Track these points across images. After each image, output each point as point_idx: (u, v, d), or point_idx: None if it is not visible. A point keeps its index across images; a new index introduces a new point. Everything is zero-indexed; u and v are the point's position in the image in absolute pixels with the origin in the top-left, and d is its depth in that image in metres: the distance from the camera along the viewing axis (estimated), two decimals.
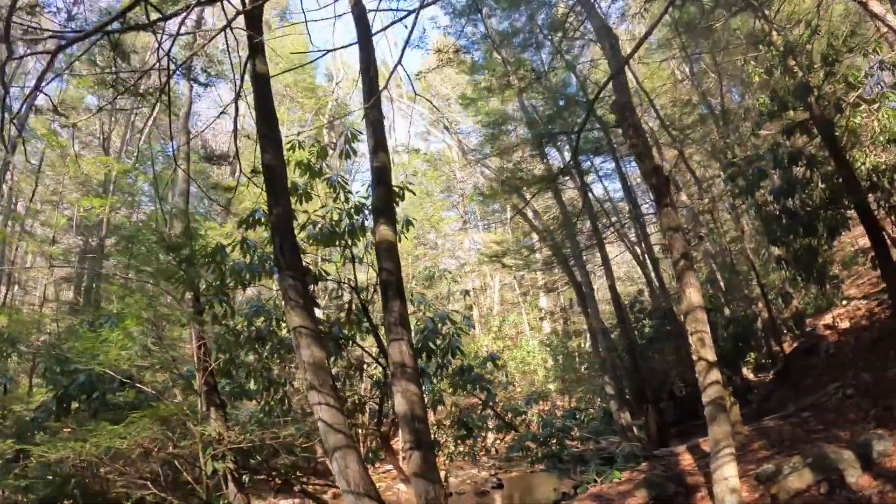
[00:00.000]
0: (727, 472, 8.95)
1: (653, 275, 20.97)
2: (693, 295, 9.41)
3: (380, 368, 9.71)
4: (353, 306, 9.36)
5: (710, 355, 9.23)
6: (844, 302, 18.32)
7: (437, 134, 35.00)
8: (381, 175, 6.99)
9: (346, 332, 9.23)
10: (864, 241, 24.39)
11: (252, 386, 10.17)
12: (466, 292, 15.01)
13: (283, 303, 5.75)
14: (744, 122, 19.29)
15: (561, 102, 17.62)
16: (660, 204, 9.90)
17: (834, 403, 12.81)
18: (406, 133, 52.25)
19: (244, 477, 8.86)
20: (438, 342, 8.98)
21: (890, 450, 9.66)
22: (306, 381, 5.45)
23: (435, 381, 10.32)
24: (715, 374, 9.16)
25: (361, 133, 8.80)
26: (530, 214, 20.98)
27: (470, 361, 13.45)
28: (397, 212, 11.66)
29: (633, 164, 27.33)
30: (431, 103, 22.06)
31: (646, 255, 22.28)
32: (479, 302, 39.64)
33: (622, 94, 10.87)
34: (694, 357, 9.37)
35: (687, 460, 13.16)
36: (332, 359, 10.11)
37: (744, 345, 18.75)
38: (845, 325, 17.03)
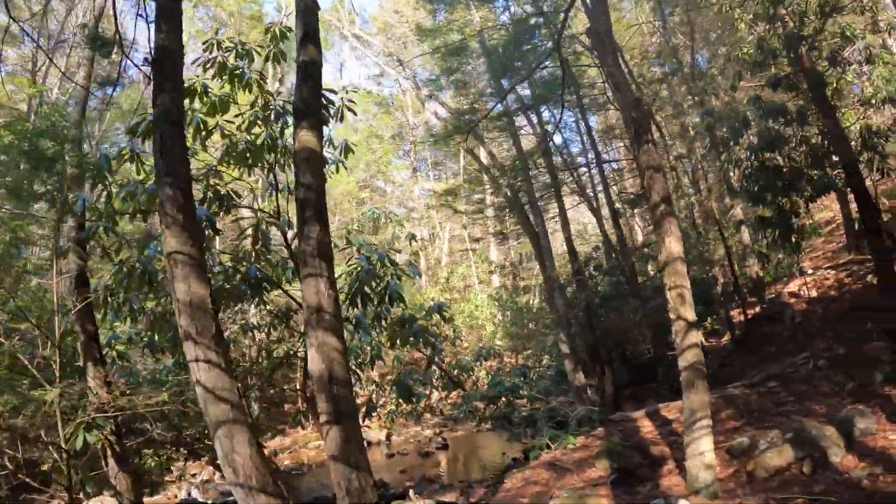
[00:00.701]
0: (703, 447, 7.89)
1: (612, 230, 19.91)
2: (673, 244, 8.16)
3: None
4: (260, 234, 7.77)
5: (690, 314, 8.05)
6: (811, 271, 17.55)
7: (391, 72, 33.06)
8: (308, 70, 5.43)
9: (263, 271, 7.65)
10: (822, 215, 24.02)
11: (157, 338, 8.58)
12: (413, 236, 13.54)
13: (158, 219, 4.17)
14: (721, 76, 18.09)
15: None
16: (639, 140, 8.57)
17: (804, 375, 11.93)
18: (357, 75, 49.93)
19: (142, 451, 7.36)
20: (375, 286, 7.46)
21: (873, 428, 8.86)
22: (181, 326, 3.92)
23: (374, 333, 8.85)
24: (694, 336, 8.01)
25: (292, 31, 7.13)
26: (484, 158, 19.56)
27: (414, 311, 12.17)
28: (334, 137, 10.10)
29: (594, 116, 26.28)
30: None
31: (603, 209, 21.19)
32: (428, 253, 38.35)
33: (601, 19, 9.44)
34: (671, 315, 8.17)
35: (647, 427, 12.14)
36: (255, 304, 8.62)
37: (704, 309, 17.82)
38: (812, 294, 16.22)
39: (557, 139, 21.62)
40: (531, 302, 33.92)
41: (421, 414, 13.82)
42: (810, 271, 17.43)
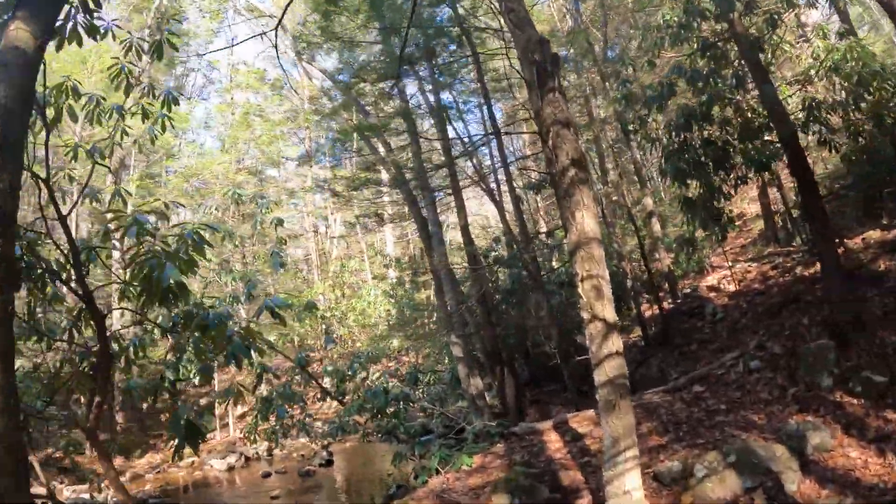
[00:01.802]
0: (629, 483, 6.08)
1: (515, 222, 18.19)
2: (587, 221, 6.26)
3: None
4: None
5: (609, 312, 6.15)
6: (730, 263, 16.34)
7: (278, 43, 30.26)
8: None
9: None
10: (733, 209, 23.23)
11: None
12: (279, 221, 11.29)
13: None
14: (638, 49, 16.65)
15: None
16: (543, 88, 6.66)
17: (734, 378, 10.42)
18: (254, 55, 46.66)
19: None
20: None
21: (829, 443, 7.44)
22: None
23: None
24: (615, 342, 6.11)
25: None
26: (381, 150, 17.46)
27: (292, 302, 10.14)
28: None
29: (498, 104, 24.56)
30: None
31: (505, 196, 19.44)
32: (320, 246, 35.78)
33: None
34: (584, 314, 6.24)
35: (555, 444, 10.39)
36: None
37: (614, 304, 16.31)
38: (733, 287, 14.95)
39: (458, 126, 19.63)
40: (430, 298, 32.06)
41: (285, 433, 11.55)
42: (729, 263, 16.21)
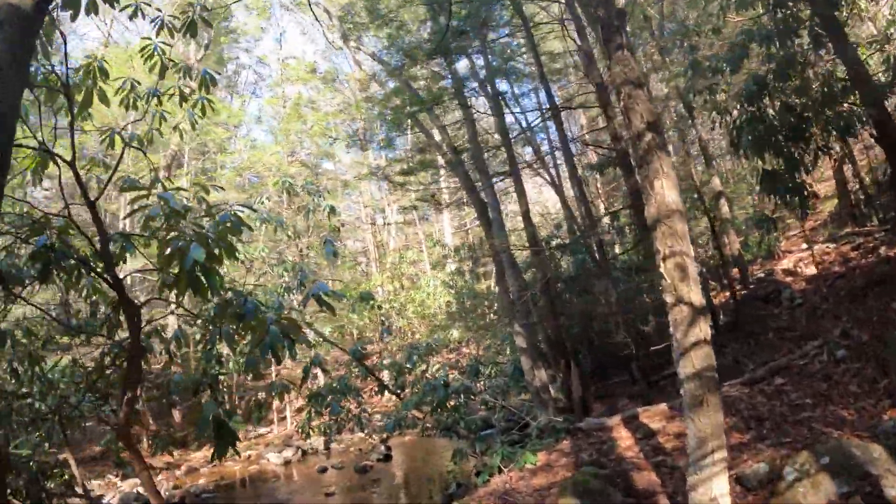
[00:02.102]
0: (716, 489, 5.42)
1: (573, 201, 17.39)
2: (667, 191, 5.57)
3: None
4: None
5: (696, 294, 5.46)
6: (805, 245, 15.19)
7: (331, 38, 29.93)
8: None
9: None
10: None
11: None
12: (333, 209, 10.83)
13: None
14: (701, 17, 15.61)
15: None
16: (610, 45, 5.98)
17: (819, 368, 9.49)
18: (300, 48, 46.65)
19: None
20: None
21: None
22: None
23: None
24: (703, 329, 5.42)
25: None
26: (436, 135, 16.89)
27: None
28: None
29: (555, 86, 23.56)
30: None
31: (565, 183, 18.63)
32: (378, 238, 35.50)
33: None
34: (668, 297, 5.58)
35: (625, 441, 9.70)
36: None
37: None
38: (810, 270, 13.85)
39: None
40: (491, 288, 31.36)
41: (339, 429, 11.12)
42: (805, 245, 15.08)
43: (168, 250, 4.18)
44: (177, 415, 20.66)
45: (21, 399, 7.11)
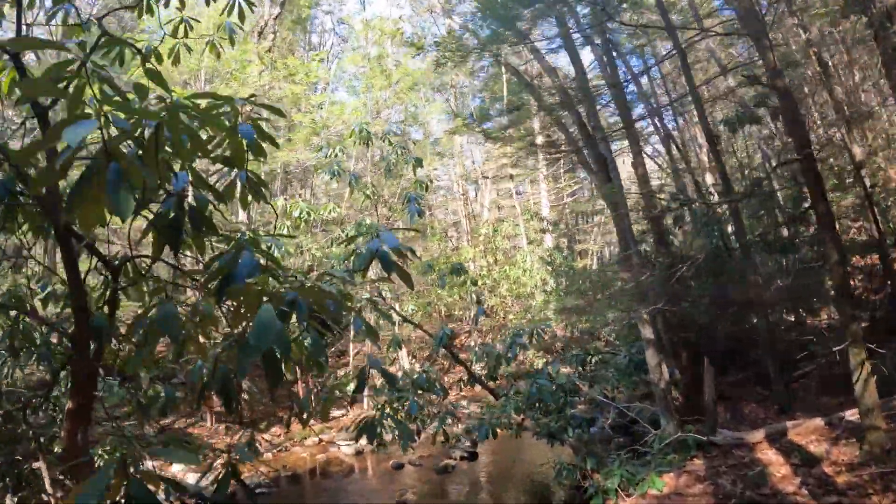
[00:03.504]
0: None
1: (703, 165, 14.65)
2: None
3: None
4: None
5: None
6: None
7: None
8: None
9: None
10: None
11: None
12: (418, 161, 8.93)
13: None
14: None
15: None
16: None
17: None
18: (386, 11, 44.59)
19: None
20: None
21: None
22: None
23: None
24: None
25: None
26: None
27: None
28: None
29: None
30: None
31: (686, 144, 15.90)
32: (470, 210, 33.38)
33: None
34: None
35: (778, 468, 7.55)
36: None
37: None
38: None
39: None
40: (589, 267, 28.71)
41: (415, 433, 9.07)
42: None
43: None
44: (245, 386, 19.21)
45: None
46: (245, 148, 2.78)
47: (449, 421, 8.56)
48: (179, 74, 19.41)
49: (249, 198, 3.37)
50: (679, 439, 9.16)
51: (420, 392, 8.40)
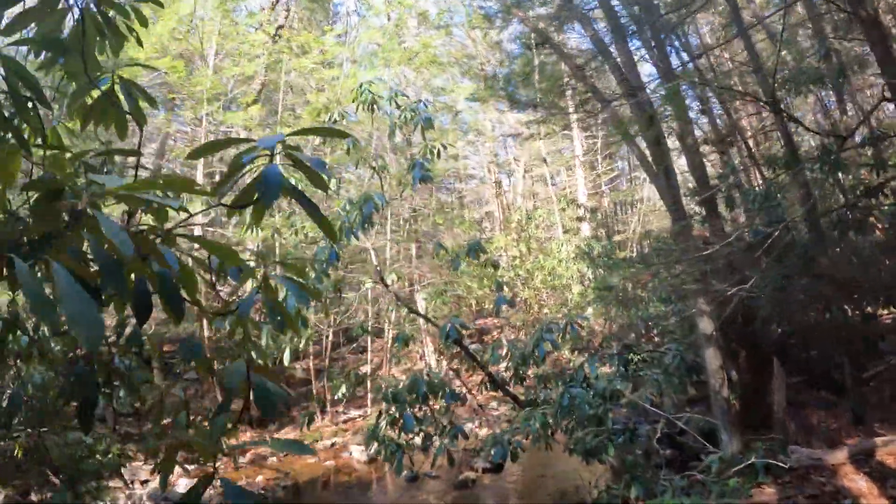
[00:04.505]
0: None
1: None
2: None
3: None
4: None
5: None
6: None
7: None
8: None
9: None
10: None
11: None
12: (429, 121, 7.26)
13: None
14: None
15: None
16: None
17: None
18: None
19: None
20: None
21: None
22: None
23: None
24: None
25: None
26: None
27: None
28: None
29: None
30: None
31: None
32: (501, 197, 31.61)
33: None
34: None
35: (873, 500, 5.76)
36: None
37: None
38: None
39: None
40: (628, 258, 26.72)
41: (419, 450, 7.36)
42: None
43: None
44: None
45: None
46: None
47: (457, 438, 6.91)
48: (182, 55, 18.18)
49: None
50: (740, 460, 7.41)
51: (424, 400, 6.78)
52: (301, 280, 2.43)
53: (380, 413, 6.92)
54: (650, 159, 10.14)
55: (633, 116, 10.58)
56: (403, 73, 21.74)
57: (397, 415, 6.58)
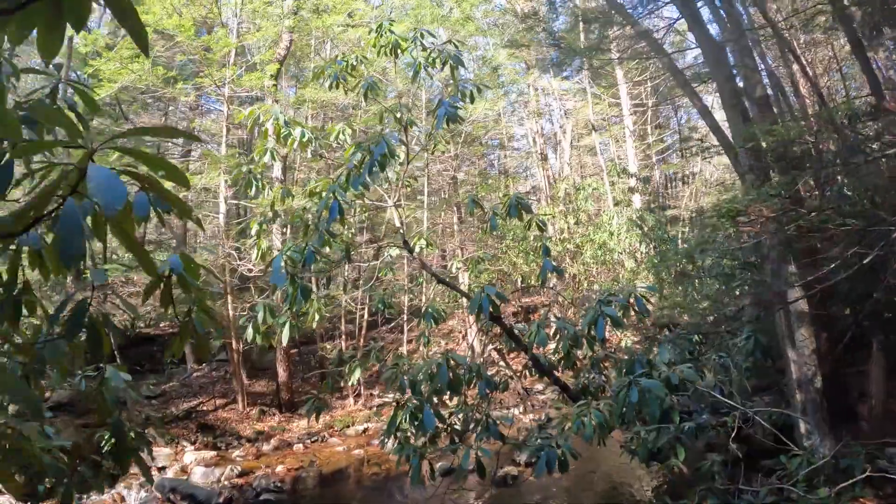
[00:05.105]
0: None
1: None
2: None
3: None
4: None
5: None
6: None
7: None
8: None
9: None
10: None
11: None
12: (458, 59, 6.03)
13: None
14: None
15: None
16: None
17: None
18: None
19: None
20: None
21: None
22: None
23: None
24: None
25: None
26: None
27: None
28: None
29: None
30: None
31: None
32: (549, 169, 29.93)
33: None
34: None
35: None
36: None
37: None
38: None
39: None
40: (684, 234, 24.93)
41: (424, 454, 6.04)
42: None
43: None
44: (281, 372, 16.82)
45: None
46: None
47: (489, 439, 5.68)
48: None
49: None
50: (833, 463, 6.04)
51: (451, 390, 5.57)
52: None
53: (397, 404, 5.71)
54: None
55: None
56: (438, 32, 20.32)
57: (414, 408, 5.39)
